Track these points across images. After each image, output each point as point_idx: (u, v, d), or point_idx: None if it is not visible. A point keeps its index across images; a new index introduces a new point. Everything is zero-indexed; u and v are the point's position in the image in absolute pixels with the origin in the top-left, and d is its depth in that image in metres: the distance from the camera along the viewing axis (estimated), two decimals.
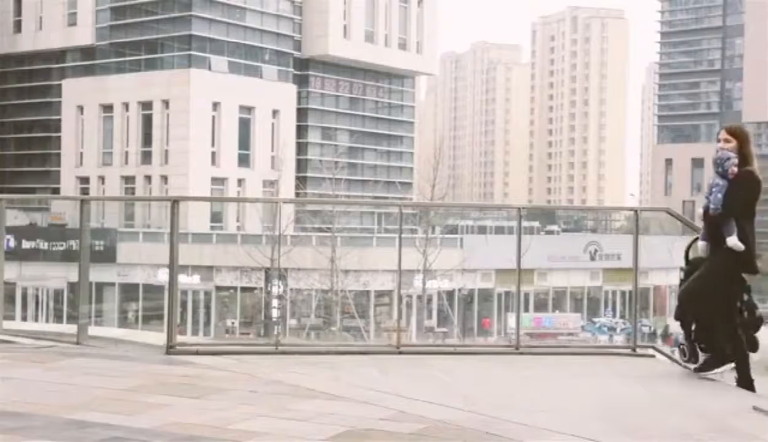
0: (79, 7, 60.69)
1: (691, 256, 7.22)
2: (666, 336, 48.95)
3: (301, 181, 58.71)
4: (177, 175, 55.50)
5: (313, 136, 63.32)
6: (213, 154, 57.31)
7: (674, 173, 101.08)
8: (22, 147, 64.71)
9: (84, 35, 60.51)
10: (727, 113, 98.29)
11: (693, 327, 6.94)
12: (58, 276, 43.14)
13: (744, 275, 6.91)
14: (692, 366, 6.99)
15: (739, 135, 6.83)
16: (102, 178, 59.48)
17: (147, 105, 57.92)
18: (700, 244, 6.94)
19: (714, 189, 6.72)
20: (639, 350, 8.34)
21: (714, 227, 6.77)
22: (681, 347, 7.13)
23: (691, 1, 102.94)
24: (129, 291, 47.77)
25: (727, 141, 6.79)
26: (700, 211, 6.97)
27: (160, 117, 57.42)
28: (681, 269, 7.16)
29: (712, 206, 6.69)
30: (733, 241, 6.62)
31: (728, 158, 6.69)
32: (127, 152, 58.99)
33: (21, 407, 5.37)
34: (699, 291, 6.85)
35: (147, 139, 58.11)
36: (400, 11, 65.87)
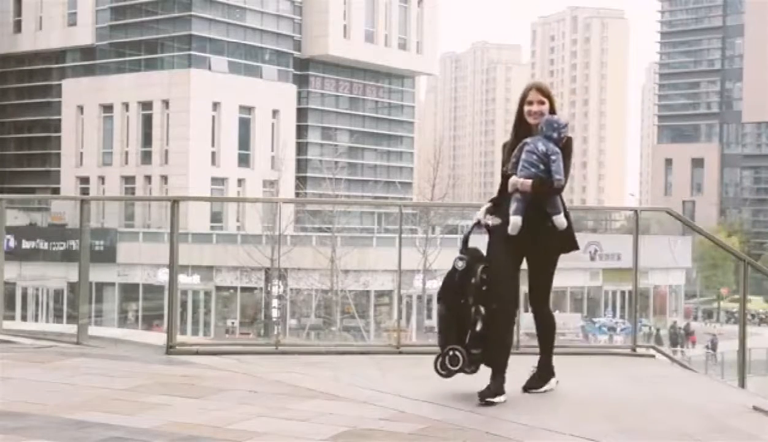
0: (79, 7, 60.70)
1: (470, 243, 5.97)
2: (688, 334, 48.94)
3: (301, 181, 58.73)
4: (177, 175, 55.52)
5: (313, 136, 63.34)
6: (213, 154, 57.34)
7: (674, 173, 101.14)
8: (22, 147, 64.74)
9: (84, 35, 60.51)
10: (727, 113, 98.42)
11: (478, 327, 5.74)
12: (58, 276, 43.16)
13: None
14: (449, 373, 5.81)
15: (550, 96, 5.91)
16: (102, 178, 59.50)
17: (147, 105, 57.93)
18: (516, 219, 5.71)
19: (553, 157, 5.67)
20: (639, 350, 8.35)
21: (536, 202, 5.72)
22: (454, 352, 5.77)
23: (691, 1, 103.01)
24: (129, 291, 47.79)
25: (541, 103, 5.83)
26: (523, 181, 5.69)
27: (160, 117, 57.43)
28: (459, 258, 5.84)
29: (557, 177, 5.66)
30: (561, 219, 5.76)
31: (565, 125, 5.79)
32: (127, 152, 59.01)
33: (21, 407, 5.38)
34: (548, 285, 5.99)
35: (147, 139, 58.13)
36: (400, 11, 65.88)
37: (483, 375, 5.75)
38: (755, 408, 5.84)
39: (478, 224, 5.91)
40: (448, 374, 5.80)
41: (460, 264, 5.79)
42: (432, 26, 68.41)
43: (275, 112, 59.86)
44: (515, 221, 5.70)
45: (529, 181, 5.67)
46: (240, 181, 57.76)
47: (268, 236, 39.11)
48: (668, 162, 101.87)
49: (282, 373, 6.68)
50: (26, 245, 46.64)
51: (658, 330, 47.50)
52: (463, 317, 5.77)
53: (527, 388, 6.00)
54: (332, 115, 64.33)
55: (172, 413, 5.27)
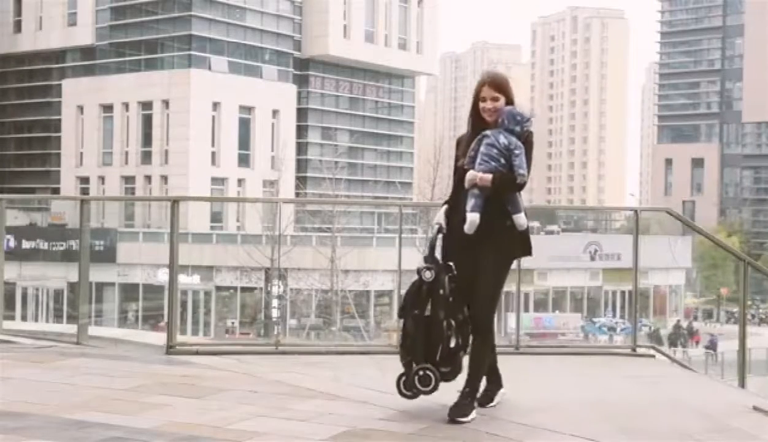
0: (79, 7, 60.68)
1: (439, 248, 5.42)
2: (691, 334, 48.94)
3: (301, 181, 58.71)
4: (177, 175, 55.50)
5: (313, 136, 63.32)
6: (213, 154, 57.33)
7: (674, 173, 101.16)
8: (22, 147, 64.71)
9: (84, 35, 60.50)
10: (727, 113, 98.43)
11: (452, 343, 5.24)
12: (58, 276, 43.15)
13: None
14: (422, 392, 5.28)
15: (507, 90, 5.44)
16: (102, 178, 59.49)
17: (147, 105, 57.92)
18: (474, 217, 5.25)
19: (516, 151, 5.27)
20: (639, 350, 8.35)
21: (495, 198, 5.29)
22: (425, 372, 5.20)
23: (691, 1, 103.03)
24: (129, 291, 47.79)
25: (495, 100, 5.37)
26: (483, 175, 5.26)
27: (160, 117, 57.42)
28: (427, 268, 5.25)
29: (521, 171, 5.26)
30: (521, 218, 5.34)
31: (529, 118, 5.38)
32: (127, 152, 59.00)
33: (21, 407, 5.38)
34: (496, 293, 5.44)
35: (147, 139, 58.11)
36: (400, 11, 65.86)
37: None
38: (755, 408, 5.84)
39: (440, 229, 5.43)
40: (414, 395, 5.28)
41: (428, 275, 5.22)
42: (432, 26, 68.38)
43: (275, 112, 59.85)
44: (473, 219, 5.25)
45: (489, 175, 5.25)
46: (240, 181, 57.75)
47: (268, 236, 39.11)
48: (668, 162, 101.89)
49: (282, 373, 6.68)
50: (26, 245, 46.64)
51: (658, 330, 47.52)
52: (431, 331, 5.21)
53: (450, 417, 5.16)
54: (332, 115, 64.30)
55: (172, 413, 5.27)
